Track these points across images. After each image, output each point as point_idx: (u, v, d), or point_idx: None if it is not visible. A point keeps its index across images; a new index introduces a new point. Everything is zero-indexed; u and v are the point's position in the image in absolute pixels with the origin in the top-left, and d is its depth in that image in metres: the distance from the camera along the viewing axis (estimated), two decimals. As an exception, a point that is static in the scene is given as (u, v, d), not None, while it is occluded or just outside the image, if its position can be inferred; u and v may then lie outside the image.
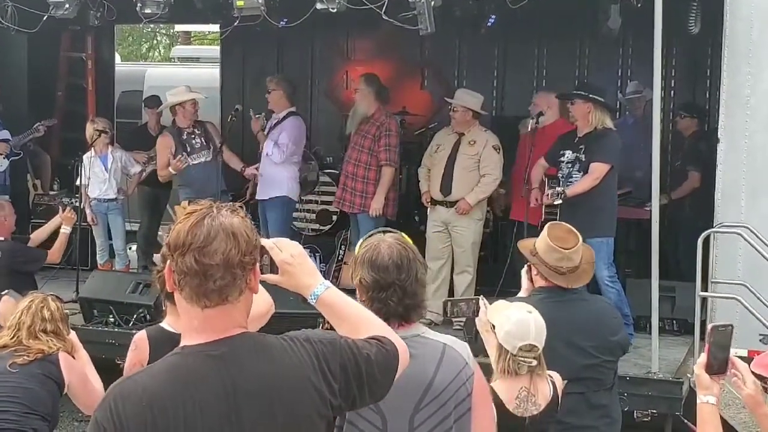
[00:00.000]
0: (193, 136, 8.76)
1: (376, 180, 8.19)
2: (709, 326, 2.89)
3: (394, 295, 2.87)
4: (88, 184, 9.16)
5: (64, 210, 7.88)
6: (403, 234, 3.05)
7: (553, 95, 8.44)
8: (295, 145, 8.49)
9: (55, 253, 7.75)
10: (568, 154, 7.29)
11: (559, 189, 7.03)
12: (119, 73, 12.41)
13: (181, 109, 8.73)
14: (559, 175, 7.37)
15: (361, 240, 3.02)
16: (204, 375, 2.22)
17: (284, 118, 8.53)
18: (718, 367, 2.83)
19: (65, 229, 7.84)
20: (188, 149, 8.70)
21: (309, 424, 2.28)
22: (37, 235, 8.12)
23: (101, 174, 9.20)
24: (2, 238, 7.32)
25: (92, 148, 9.20)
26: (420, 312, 2.95)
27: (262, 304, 3.58)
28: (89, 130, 9.22)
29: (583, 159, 7.18)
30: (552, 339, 3.72)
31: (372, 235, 3.03)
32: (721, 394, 2.93)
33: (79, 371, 4.76)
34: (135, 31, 25.77)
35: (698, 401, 2.84)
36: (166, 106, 8.95)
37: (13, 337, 4.68)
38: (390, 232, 3.04)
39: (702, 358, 2.84)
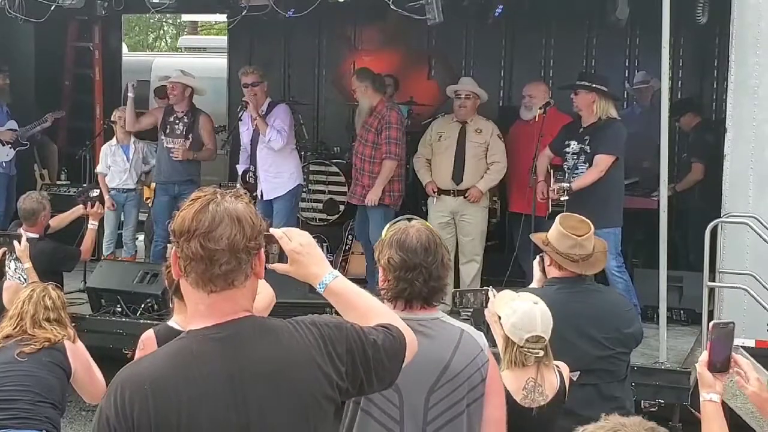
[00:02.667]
0: (177, 121, 8.86)
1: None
2: (710, 324, 2.87)
3: (420, 276, 2.97)
4: (107, 174, 9.26)
5: (93, 205, 7.67)
6: (427, 222, 3.15)
7: (543, 84, 8.42)
8: (290, 129, 8.51)
9: (87, 252, 7.61)
10: (573, 145, 7.29)
11: (565, 185, 7.03)
12: (126, 63, 12.42)
13: (167, 91, 8.96)
14: (565, 166, 7.36)
15: (388, 225, 3.12)
16: (207, 358, 2.23)
17: (269, 107, 8.48)
18: (720, 365, 2.80)
19: (92, 225, 7.65)
20: (167, 131, 8.84)
21: (316, 405, 2.29)
22: (57, 223, 7.89)
23: (122, 164, 9.26)
24: (37, 236, 7.11)
25: (114, 138, 9.34)
26: (441, 296, 3.06)
27: (266, 296, 3.59)
28: (115, 117, 9.41)
29: (588, 150, 7.18)
30: (565, 329, 3.72)
31: (399, 220, 3.13)
32: (726, 386, 2.93)
33: (83, 359, 4.79)
34: (141, 21, 25.76)
35: (701, 399, 2.83)
36: (154, 86, 9.13)
37: (15, 326, 4.69)
38: (415, 218, 3.13)
39: (704, 356, 2.82)
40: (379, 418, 2.93)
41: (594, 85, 7.23)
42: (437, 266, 3.00)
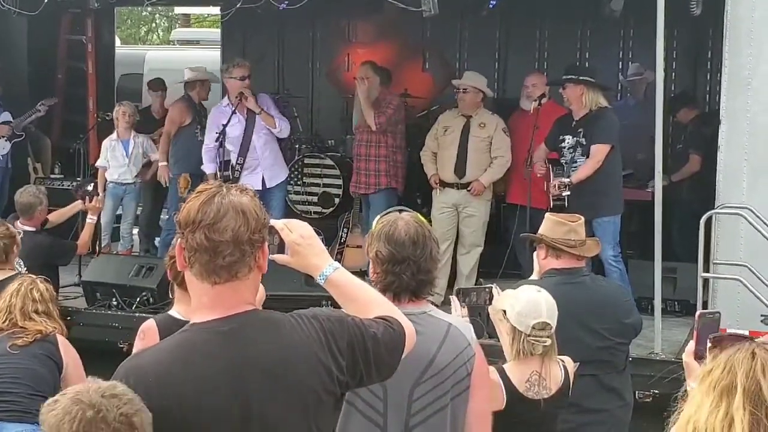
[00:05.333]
0: (204, 115, 8.98)
1: (387, 157, 8.37)
2: (696, 314, 2.88)
3: (408, 270, 2.97)
4: (107, 168, 9.31)
5: (90, 199, 7.60)
6: (418, 214, 3.13)
7: (543, 75, 8.45)
8: None
9: (84, 246, 7.56)
10: (568, 140, 7.32)
11: (565, 180, 7.09)
12: (119, 56, 12.38)
13: (200, 85, 9.16)
14: (563, 161, 7.39)
15: (378, 216, 3.11)
16: (211, 351, 2.25)
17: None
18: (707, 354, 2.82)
19: (91, 219, 7.59)
20: (202, 124, 8.92)
21: (316, 399, 2.31)
22: (56, 218, 7.84)
23: (122, 158, 9.33)
24: (34, 229, 7.07)
25: (114, 132, 9.40)
26: (430, 289, 3.05)
27: (259, 294, 3.58)
28: (116, 113, 9.47)
29: (584, 143, 7.22)
30: (565, 320, 3.71)
31: (389, 212, 3.12)
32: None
33: (74, 355, 4.76)
34: (133, 14, 25.69)
35: (688, 388, 2.83)
36: (189, 79, 9.28)
37: (5, 320, 4.68)
38: (406, 210, 3.13)
39: (690, 346, 2.83)
40: (363, 410, 2.95)
41: (580, 78, 7.26)
42: (426, 259, 3.00)
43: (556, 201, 7.30)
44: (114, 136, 9.40)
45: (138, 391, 2.19)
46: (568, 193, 7.05)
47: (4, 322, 4.69)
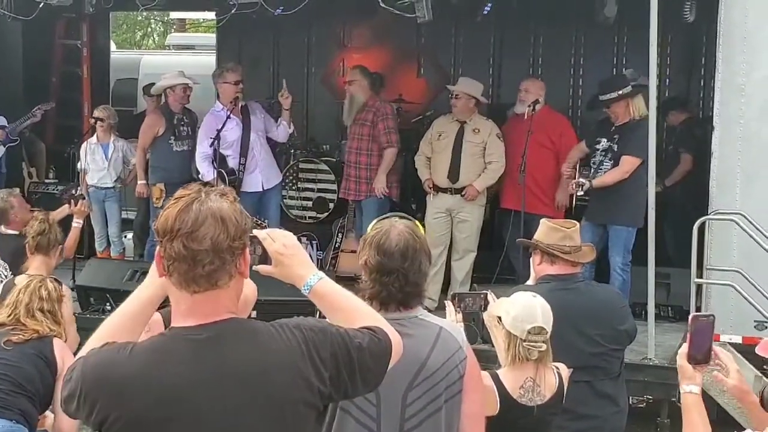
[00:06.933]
0: (182, 122, 8.90)
1: (379, 165, 8.34)
2: (690, 316, 2.88)
3: (396, 282, 2.94)
4: (87, 171, 9.25)
5: (76, 203, 7.49)
6: (416, 222, 3.10)
7: (539, 81, 8.48)
8: None
9: (70, 250, 7.37)
10: (603, 143, 7.37)
11: (582, 180, 7.11)
12: (114, 61, 12.39)
13: (171, 93, 8.91)
14: (592, 162, 7.44)
15: (374, 221, 3.08)
16: (184, 358, 2.19)
17: (243, 108, 8.49)
18: (701, 357, 2.81)
19: (77, 223, 7.46)
20: (176, 134, 8.82)
21: (294, 411, 2.25)
22: None
23: (101, 162, 9.28)
24: (17, 232, 6.83)
25: (94, 136, 9.32)
26: (419, 300, 3.03)
27: (250, 292, 3.57)
28: (101, 115, 9.37)
29: (616, 149, 7.25)
30: (560, 326, 3.70)
31: (385, 218, 3.08)
32: (714, 382, 2.94)
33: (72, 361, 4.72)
34: (129, 18, 25.67)
35: (681, 391, 2.83)
36: (157, 89, 9.13)
37: (10, 315, 4.67)
38: (404, 218, 3.09)
39: (684, 348, 2.83)
40: (357, 417, 2.94)
41: (619, 93, 7.25)
42: (414, 272, 2.96)
43: (578, 201, 7.37)
44: (93, 139, 9.36)
45: (103, 393, 2.15)
46: (581, 193, 7.11)
47: (9, 317, 4.67)
